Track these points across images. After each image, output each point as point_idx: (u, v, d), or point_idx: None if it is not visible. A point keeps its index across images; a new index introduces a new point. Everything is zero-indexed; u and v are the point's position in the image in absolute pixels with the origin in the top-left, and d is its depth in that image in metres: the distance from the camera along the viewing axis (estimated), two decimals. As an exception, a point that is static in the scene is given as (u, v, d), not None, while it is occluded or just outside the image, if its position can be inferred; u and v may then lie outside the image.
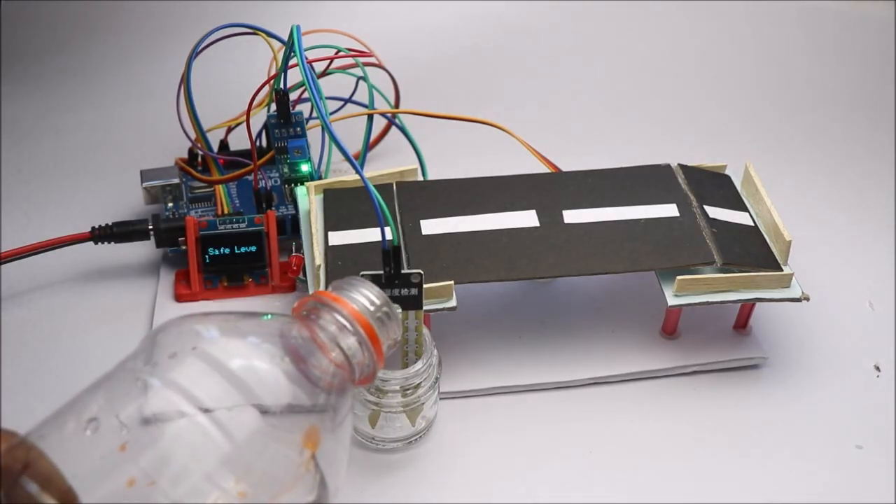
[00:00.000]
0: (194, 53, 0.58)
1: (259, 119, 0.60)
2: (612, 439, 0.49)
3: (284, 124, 0.58)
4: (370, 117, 0.62)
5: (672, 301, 0.49)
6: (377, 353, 0.39)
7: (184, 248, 0.56)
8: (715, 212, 0.53)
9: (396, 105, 0.68)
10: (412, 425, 0.47)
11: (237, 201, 0.60)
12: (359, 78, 0.63)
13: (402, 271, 0.45)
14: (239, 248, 0.56)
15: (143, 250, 0.60)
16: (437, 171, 0.61)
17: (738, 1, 0.91)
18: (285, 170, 0.59)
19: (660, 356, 0.53)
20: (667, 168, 0.57)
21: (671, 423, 0.50)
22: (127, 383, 0.34)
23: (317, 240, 0.51)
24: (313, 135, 0.61)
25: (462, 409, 0.50)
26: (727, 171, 0.58)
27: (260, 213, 0.57)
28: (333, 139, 0.45)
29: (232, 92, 0.64)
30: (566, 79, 0.82)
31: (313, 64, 0.57)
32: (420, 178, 0.60)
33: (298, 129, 0.58)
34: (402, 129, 0.63)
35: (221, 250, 0.56)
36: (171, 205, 0.60)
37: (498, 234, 0.51)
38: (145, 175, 0.60)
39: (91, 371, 0.52)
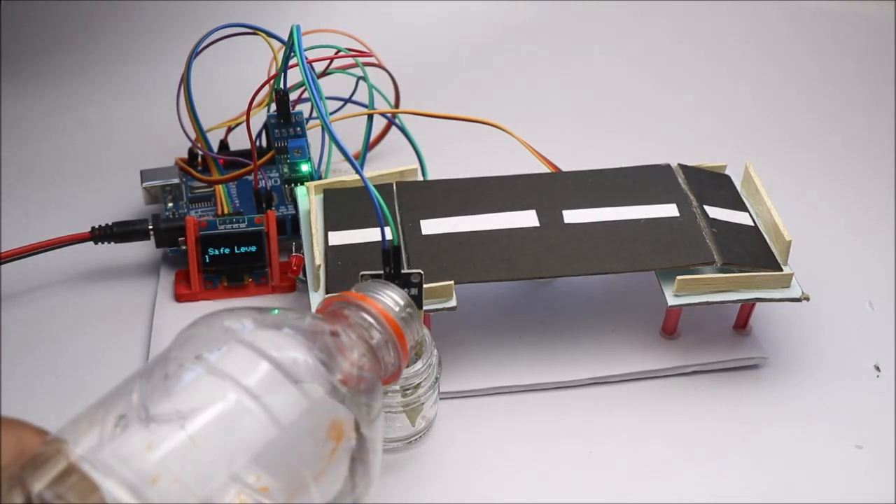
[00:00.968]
0: (194, 53, 0.58)
1: (259, 119, 0.60)
2: (612, 439, 0.49)
3: (284, 124, 0.58)
4: (370, 117, 0.62)
5: (672, 301, 0.49)
6: (403, 351, 0.40)
7: (184, 248, 0.56)
8: (715, 212, 0.53)
9: (396, 105, 0.68)
10: (412, 425, 0.47)
11: (237, 201, 0.60)
12: (359, 78, 0.63)
13: (402, 271, 0.45)
14: (239, 248, 0.56)
15: (143, 250, 0.60)
16: (437, 171, 0.61)
17: (737, 1, 0.91)
18: (285, 170, 0.59)
19: (660, 356, 0.53)
20: (667, 168, 0.57)
21: (671, 423, 0.50)
22: (157, 378, 0.34)
23: (317, 240, 0.51)
24: (313, 135, 0.61)
25: (462, 409, 0.50)
26: (727, 171, 0.58)
27: (260, 213, 0.57)
28: (333, 139, 0.45)
29: (232, 92, 0.64)
30: (566, 79, 0.82)
31: (313, 64, 0.57)
32: (420, 178, 0.60)
33: (298, 129, 0.58)
34: (402, 129, 0.63)
35: (221, 250, 0.56)
36: (171, 205, 0.60)
37: (498, 234, 0.51)
38: (145, 175, 0.60)
39: (91, 371, 0.52)
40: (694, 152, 0.62)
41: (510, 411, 0.50)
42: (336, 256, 0.50)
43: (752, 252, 0.51)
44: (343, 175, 0.58)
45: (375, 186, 0.44)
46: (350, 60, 0.63)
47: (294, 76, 0.54)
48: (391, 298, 0.40)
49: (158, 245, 0.57)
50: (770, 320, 0.55)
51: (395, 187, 0.55)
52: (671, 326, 0.53)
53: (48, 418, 0.49)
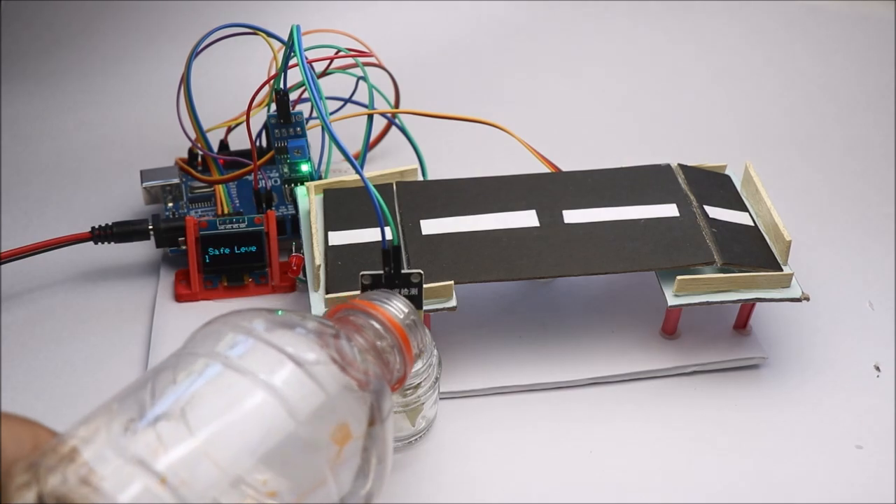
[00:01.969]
0: (194, 53, 0.58)
1: (259, 119, 0.60)
2: (612, 439, 0.49)
3: (284, 124, 0.58)
4: (370, 117, 0.62)
5: (672, 301, 0.49)
6: (408, 357, 0.41)
7: (184, 248, 0.56)
8: (715, 212, 0.53)
9: (396, 105, 0.68)
10: (412, 425, 0.47)
11: (237, 201, 0.60)
12: (359, 78, 0.63)
13: (402, 271, 0.45)
14: (239, 248, 0.56)
15: (143, 250, 0.60)
16: (437, 171, 0.61)
17: (737, 1, 0.91)
18: (285, 170, 0.59)
19: (660, 356, 0.53)
20: (667, 168, 0.57)
21: (671, 423, 0.50)
22: (166, 381, 0.34)
23: (317, 240, 0.51)
24: (313, 135, 0.61)
25: (462, 409, 0.50)
26: (727, 171, 0.59)
27: (260, 213, 0.57)
28: (333, 139, 0.45)
29: (232, 92, 0.65)
30: (566, 79, 0.82)
31: (313, 64, 0.57)
32: (420, 178, 0.60)
33: (298, 129, 0.58)
34: (402, 129, 0.63)
35: (221, 250, 0.56)
36: (171, 205, 0.60)
37: (498, 234, 0.51)
38: (145, 175, 0.60)
39: (91, 371, 0.52)
40: (694, 152, 0.63)
41: (510, 411, 0.50)
42: (336, 256, 0.50)
43: (752, 252, 0.51)
44: (343, 175, 0.58)
45: (375, 186, 0.44)
46: (350, 60, 0.63)
47: (294, 76, 0.54)
48: (396, 306, 0.41)
49: (158, 245, 0.57)
50: (770, 320, 0.55)
51: (395, 187, 0.55)
52: (671, 326, 0.53)
53: (48, 418, 0.49)
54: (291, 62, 0.53)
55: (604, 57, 0.86)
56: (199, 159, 0.64)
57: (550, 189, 0.55)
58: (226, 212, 0.59)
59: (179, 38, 0.71)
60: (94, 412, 0.33)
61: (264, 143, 0.63)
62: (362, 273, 0.45)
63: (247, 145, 0.61)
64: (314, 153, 0.61)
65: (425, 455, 0.48)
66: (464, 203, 0.54)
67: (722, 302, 0.49)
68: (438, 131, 0.62)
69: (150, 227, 0.57)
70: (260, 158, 0.61)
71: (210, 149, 0.62)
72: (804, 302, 0.49)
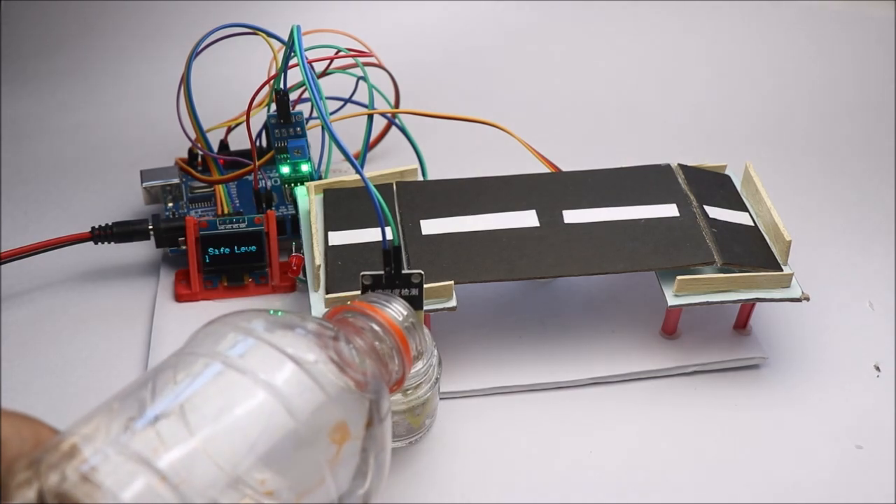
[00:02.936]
0: (194, 53, 0.58)
1: (259, 119, 0.60)
2: (612, 439, 0.49)
3: (284, 124, 0.58)
4: (370, 117, 0.62)
5: (672, 301, 0.49)
6: (407, 359, 0.41)
7: (184, 248, 0.56)
8: (715, 212, 0.53)
9: (396, 105, 0.68)
10: (413, 425, 0.47)
11: (237, 201, 0.60)
12: (359, 78, 0.63)
13: (403, 271, 0.45)
14: (239, 248, 0.56)
15: (143, 250, 0.60)
16: (437, 171, 0.61)
17: (738, 1, 0.91)
18: (285, 170, 0.59)
19: (660, 356, 0.53)
20: (667, 168, 0.57)
21: (671, 423, 0.50)
22: (166, 380, 0.34)
23: (317, 240, 0.51)
24: (313, 135, 0.61)
25: (462, 409, 0.50)
26: (727, 171, 0.59)
27: (260, 213, 0.57)
28: (334, 139, 0.45)
29: (232, 92, 0.65)
30: (566, 79, 0.82)
31: (313, 64, 0.57)
32: (420, 178, 0.60)
33: (298, 129, 0.58)
34: (402, 129, 0.63)
35: (221, 250, 0.56)
36: (171, 205, 0.60)
37: (498, 234, 0.51)
38: (145, 175, 0.60)
39: (91, 371, 0.52)
40: (694, 152, 0.63)
41: (510, 411, 0.50)
42: (336, 256, 0.50)
43: (752, 252, 0.51)
44: (343, 175, 0.58)
45: (375, 186, 0.44)
46: (350, 60, 0.63)
47: (294, 76, 0.54)
48: (395, 309, 0.42)
49: (158, 245, 0.57)
50: (770, 320, 0.55)
51: (394, 187, 0.55)
52: (671, 326, 0.53)
53: (48, 418, 0.49)
54: (291, 62, 0.53)
55: (604, 57, 0.86)
56: (199, 159, 0.64)
57: (550, 189, 0.55)
58: (226, 212, 0.59)
59: (179, 38, 0.71)
60: (95, 410, 0.33)
61: (264, 143, 0.63)
62: (363, 273, 0.45)
63: (247, 145, 0.61)
64: (314, 153, 0.61)
65: (425, 455, 0.48)
66: (464, 203, 0.54)
67: (722, 302, 0.49)
68: (438, 131, 0.62)
69: (150, 227, 0.57)
70: (260, 158, 0.61)
71: (210, 149, 0.62)
72: (804, 302, 0.49)
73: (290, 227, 0.59)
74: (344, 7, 0.85)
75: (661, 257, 0.50)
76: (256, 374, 0.34)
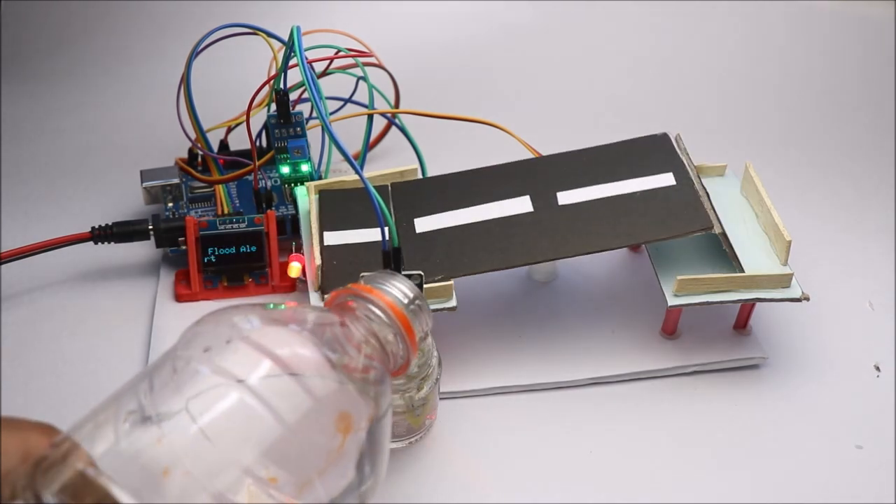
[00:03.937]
0: (194, 53, 0.58)
1: (259, 119, 0.60)
2: (612, 439, 0.49)
3: (284, 124, 0.58)
4: (370, 117, 0.62)
5: (672, 301, 0.49)
6: (411, 344, 0.39)
7: (184, 248, 0.56)
8: None
9: (396, 105, 0.68)
10: (414, 426, 0.47)
11: (237, 201, 0.60)
12: (359, 78, 0.63)
13: (403, 272, 0.45)
14: (239, 248, 0.56)
15: (143, 250, 0.60)
16: (437, 171, 0.61)
17: (737, 1, 0.91)
18: (285, 170, 0.59)
19: (660, 356, 0.52)
20: (664, 137, 0.56)
21: (671, 423, 0.50)
22: (165, 375, 0.34)
23: (317, 240, 0.51)
24: (313, 135, 0.61)
25: (462, 409, 0.50)
26: (727, 172, 0.59)
27: (260, 213, 0.57)
28: (333, 139, 0.45)
29: (232, 92, 0.64)
30: (566, 79, 0.83)
31: (313, 64, 0.57)
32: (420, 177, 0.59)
33: (298, 129, 0.58)
34: (402, 129, 0.63)
35: (221, 250, 0.56)
36: (171, 205, 0.60)
37: (491, 224, 0.51)
38: (145, 175, 0.60)
39: (91, 371, 0.52)
40: (694, 152, 0.62)
41: (510, 411, 0.50)
42: (331, 256, 0.50)
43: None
44: (343, 175, 0.58)
45: (374, 187, 0.44)
46: (350, 60, 0.63)
47: (294, 76, 0.54)
48: (399, 290, 0.39)
49: (158, 245, 0.57)
50: (770, 320, 0.55)
51: (390, 188, 0.55)
52: (671, 326, 0.53)
53: (48, 418, 0.49)
54: (291, 62, 0.53)
55: (604, 57, 0.86)
56: (199, 159, 0.64)
57: (544, 173, 0.54)
58: (226, 212, 0.59)
59: (179, 38, 0.71)
60: (94, 410, 0.33)
61: (264, 143, 0.63)
62: (363, 274, 0.45)
63: (247, 145, 0.61)
64: (314, 153, 0.61)
65: (425, 455, 0.48)
66: (458, 197, 0.54)
67: (722, 302, 0.49)
68: (438, 131, 0.62)
69: (150, 227, 0.57)
70: (260, 158, 0.61)
71: (210, 149, 0.62)
72: (804, 302, 0.49)
73: (290, 227, 0.59)
74: (344, 7, 0.85)
75: (658, 228, 0.50)
76: (241, 377, 0.33)
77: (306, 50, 0.51)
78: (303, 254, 0.53)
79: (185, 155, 0.64)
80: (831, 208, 0.67)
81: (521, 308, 0.56)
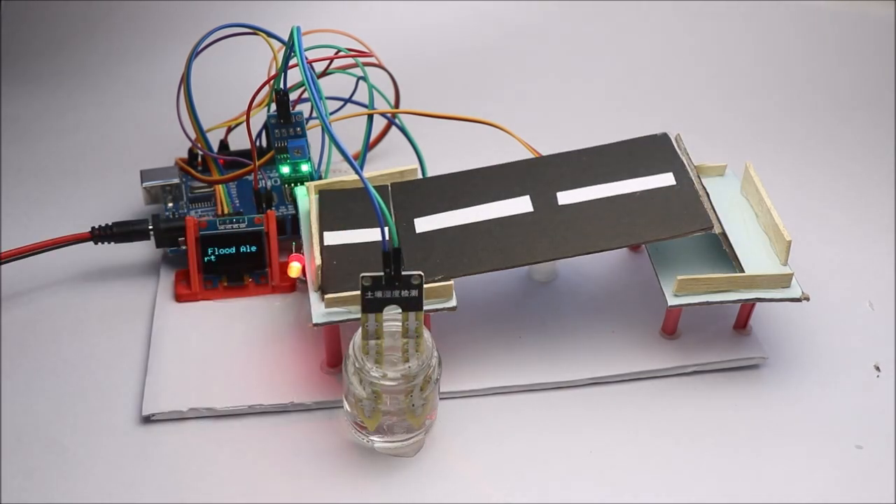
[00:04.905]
0: (194, 53, 0.58)
1: (259, 119, 0.60)
2: (612, 439, 0.49)
3: (284, 124, 0.58)
4: (370, 117, 0.62)
5: (672, 301, 0.49)
6: None
7: (184, 248, 0.56)
8: None
9: (396, 105, 0.68)
10: (415, 426, 0.47)
11: (237, 201, 0.60)
12: (359, 78, 0.63)
13: (403, 273, 0.45)
14: (239, 248, 0.56)
15: (143, 250, 0.60)
16: (437, 171, 0.61)
17: (737, 1, 0.91)
18: (285, 170, 0.58)
19: (660, 356, 0.52)
20: (664, 137, 0.56)
21: (671, 423, 0.50)
22: None
23: (317, 240, 0.51)
24: (313, 135, 0.61)
25: (462, 409, 0.50)
26: (727, 172, 0.58)
27: (260, 213, 0.57)
28: (333, 140, 0.45)
29: (232, 92, 0.64)
30: (566, 79, 0.82)
31: (313, 64, 0.57)
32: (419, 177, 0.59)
33: (298, 129, 0.58)
34: (402, 129, 0.63)
35: (221, 250, 0.56)
36: (171, 205, 0.60)
37: (491, 224, 0.51)
38: (145, 175, 0.60)
39: (91, 371, 0.52)
40: (694, 152, 0.62)
41: (510, 411, 0.50)
42: (331, 256, 0.50)
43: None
44: (343, 175, 0.58)
45: (374, 187, 0.44)
46: (350, 60, 0.63)
47: (294, 76, 0.54)
48: None
49: (158, 245, 0.57)
50: (770, 320, 0.55)
51: (390, 188, 0.55)
52: (671, 326, 0.53)
53: (48, 418, 0.50)
54: (291, 62, 0.53)
55: (604, 57, 0.86)
56: (199, 159, 0.64)
57: (544, 173, 0.54)
58: (226, 212, 0.59)
59: (179, 38, 0.71)
60: None
61: (264, 143, 0.63)
62: (363, 275, 0.45)
63: (247, 145, 0.61)
64: (314, 153, 0.61)
65: (425, 455, 0.48)
66: (458, 197, 0.54)
67: (722, 302, 0.49)
68: (438, 131, 0.62)
69: (150, 227, 0.57)
70: (260, 158, 0.61)
71: (210, 149, 0.62)
72: (804, 302, 0.49)
73: (290, 227, 0.59)
74: (344, 7, 0.85)
75: (658, 228, 0.50)
76: None
77: (306, 50, 0.51)
78: (303, 254, 0.53)
79: (185, 155, 0.64)
80: (831, 208, 0.67)
81: (521, 308, 0.56)
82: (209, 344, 0.53)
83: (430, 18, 0.88)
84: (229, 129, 0.64)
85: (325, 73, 0.63)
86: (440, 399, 0.49)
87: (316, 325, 0.47)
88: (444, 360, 0.50)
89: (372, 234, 0.51)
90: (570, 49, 0.87)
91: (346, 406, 0.47)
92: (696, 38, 0.88)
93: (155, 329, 0.54)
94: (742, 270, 0.50)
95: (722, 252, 0.51)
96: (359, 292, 0.45)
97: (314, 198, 0.55)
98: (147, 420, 0.49)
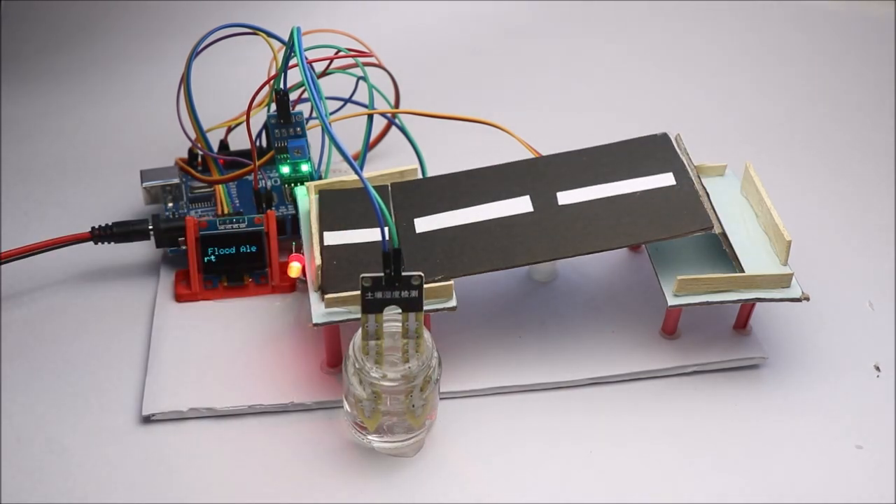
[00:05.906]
0: (194, 53, 0.58)
1: (259, 119, 0.60)
2: (612, 439, 0.49)
3: (284, 124, 0.58)
4: (370, 117, 0.62)
5: (672, 301, 0.49)
6: None
7: (184, 248, 0.56)
8: None
9: (396, 105, 0.68)
10: (415, 426, 0.47)
11: (237, 201, 0.60)
12: (359, 78, 0.63)
13: (403, 273, 0.45)
14: (239, 248, 0.56)
15: (143, 250, 0.60)
16: (437, 171, 0.61)
17: (737, 1, 0.91)
18: (285, 170, 0.58)
19: (660, 356, 0.53)
20: (664, 137, 0.56)
21: (671, 423, 0.50)
22: None
23: (317, 240, 0.51)
24: (313, 135, 0.61)
25: (462, 409, 0.50)
26: (727, 172, 0.59)
27: (260, 213, 0.57)
28: (333, 140, 0.45)
29: (232, 92, 0.65)
30: (566, 79, 0.82)
31: (313, 64, 0.57)
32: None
33: (298, 129, 0.58)
34: (402, 129, 0.63)
35: (221, 250, 0.56)
36: (171, 205, 0.60)
37: (491, 224, 0.51)
38: (145, 175, 0.60)
39: (91, 371, 0.52)
40: (694, 152, 0.62)
41: (510, 411, 0.50)
42: (331, 256, 0.50)
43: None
44: (343, 175, 0.58)
45: (373, 187, 0.44)
46: (350, 60, 0.63)
47: (294, 76, 0.54)
48: None
49: (158, 245, 0.57)
50: (770, 320, 0.55)
51: (390, 188, 0.55)
52: (671, 326, 0.53)
53: (48, 418, 0.50)
54: (291, 62, 0.53)
55: (604, 57, 0.86)
56: (199, 159, 0.64)
57: (544, 173, 0.54)
58: (226, 212, 0.59)
59: (179, 38, 0.71)
60: None
61: (264, 143, 0.63)
62: (363, 276, 0.45)
63: (247, 145, 0.61)
64: (314, 153, 0.61)
65: (425, 455, 0.48)
66: (458, 196, 0.54)
67: (722, 302, 0.49)
68: (438, 131, 0.62)
69: (150, 227, 0.57)
70: (260, 158, 0.61)
71: (210, 149, 0.62)
72: (804, 302, 0.49)
73: (290, 227, 0.59)
74: (344, 7, 0.85)
75: (658, 228, 0.50)
76: None
77: (306, 50, 0.51)
78: (303, 254, 0.53)
79: (185, 155, 0.64)
80: (831, 208, 0.67)
81: (521, 308, 0.56)
82: (209, 344, 0.53)
83: (430, 18, 0.88)
84: (229, 129, 0.64)
85: (325, 73, 0.63)
86: (440, 399, 0.49)
87: (316, 325, 0.47)
88: (444, 360, 0.50)
89: (372, 234, 0.51)
90: (570, 49, 0.87)
91: (346, 406, 0.47)
92: (696, 37, 0.88)
93: (155, 329, 0.54)
94: (742, 270, 0.50)
95: (722, 252, 0.51)
96: (359, 292, 0.45)
97: (314, 198, 0.55)
98: (147, 420, 0.49)
